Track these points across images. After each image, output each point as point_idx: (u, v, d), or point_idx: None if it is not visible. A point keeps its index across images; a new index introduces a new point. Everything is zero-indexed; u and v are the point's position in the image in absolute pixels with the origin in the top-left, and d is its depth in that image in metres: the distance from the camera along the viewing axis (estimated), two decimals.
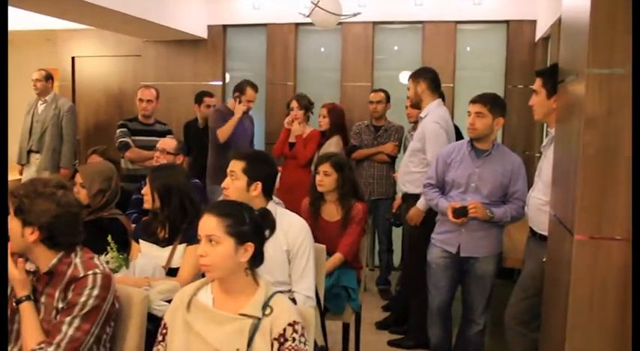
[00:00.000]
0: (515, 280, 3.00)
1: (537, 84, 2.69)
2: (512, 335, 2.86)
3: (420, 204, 3.52)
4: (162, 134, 4.44)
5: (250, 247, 1.78)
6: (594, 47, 1.79)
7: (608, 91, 1.79)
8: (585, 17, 1.82)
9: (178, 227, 2.63)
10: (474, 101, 3.05)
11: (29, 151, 5.40)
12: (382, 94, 4.79)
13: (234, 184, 2.45)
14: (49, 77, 5.46)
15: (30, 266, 1.95)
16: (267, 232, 1.87)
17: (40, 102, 5.43)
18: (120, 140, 4.47)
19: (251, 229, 1.79)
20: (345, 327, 3.29)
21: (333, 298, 3.12)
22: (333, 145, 4.62)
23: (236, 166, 2.46)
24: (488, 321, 3.25)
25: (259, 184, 2.44)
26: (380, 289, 4.84)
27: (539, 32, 5.07)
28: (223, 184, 2.49)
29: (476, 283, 3.14)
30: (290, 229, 2.49)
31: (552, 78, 2.53)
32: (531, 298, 2.72)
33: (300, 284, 2.50)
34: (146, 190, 2.69)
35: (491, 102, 3.03)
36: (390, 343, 3.81)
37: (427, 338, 3.41)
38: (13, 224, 1.87)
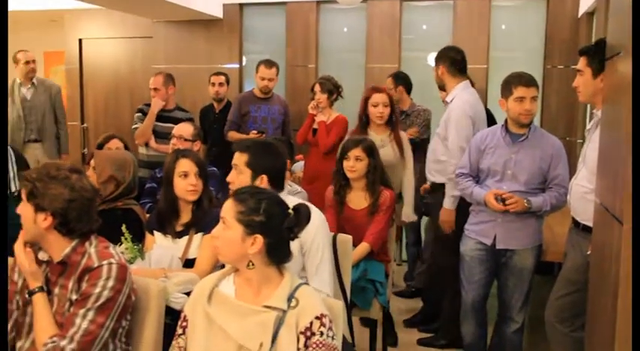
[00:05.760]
0: (555, 276, 2.98)
1: (582, 63, 2.68)
2: (553, 334, 2.84)
3: (448, 203, 3.47)
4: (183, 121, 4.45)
5: (259, 240, 1.76)
6: None
7: None
8: None
9: (192, 216, 2.68)
10: (528, 85, 2.98)
11: (26, 142, 5.33)
12: (390, 79, 4.78)
13: (239, 179, 2.41)
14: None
15: (43, 256, 1.98)
16: (295, 230, 1.84)
17: (26, 87, 5.37)
18: (134, 126, 4.52)
19: (264, 221, 1.77)
20: (373, 323, 3.29)
21: (360, 292, 3.14)
22: None
23: (239, 159, 2.43)
24: (526, 319, 3.23)
25: (264, 177, 2.39)
26: (408, 285, 4.83)
27: (584, 6, 4.97)
28: (228, 178, 2.48)
29: (513, 278, 3.12)
30: None
31: (598, 56, 2.50)
32: (574, 294, 2.71)
33: (314, 280, 2.44)
34: None
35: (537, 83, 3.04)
36: (421, 342, 3.82)
37: (460, 336, 3.40)
38: (26, 210, 1.90)
